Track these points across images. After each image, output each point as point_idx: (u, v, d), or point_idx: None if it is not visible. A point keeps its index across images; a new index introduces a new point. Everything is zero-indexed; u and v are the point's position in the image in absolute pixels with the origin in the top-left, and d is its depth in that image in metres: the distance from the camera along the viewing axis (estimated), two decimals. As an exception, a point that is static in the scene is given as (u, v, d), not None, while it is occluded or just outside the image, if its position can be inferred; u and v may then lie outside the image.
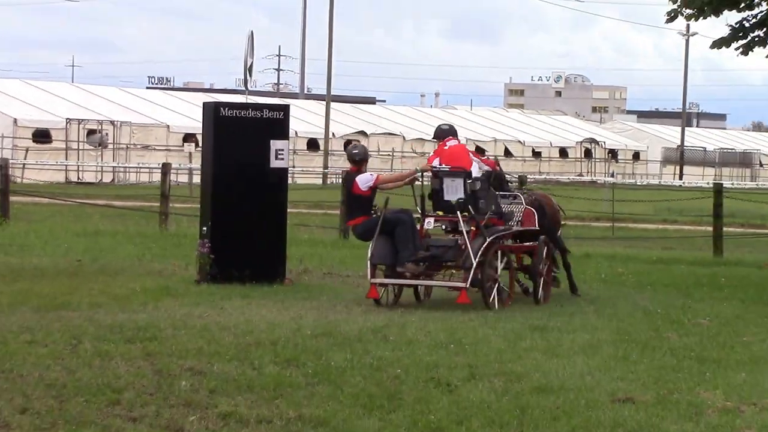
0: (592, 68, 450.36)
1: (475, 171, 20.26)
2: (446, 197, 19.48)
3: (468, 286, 18.79)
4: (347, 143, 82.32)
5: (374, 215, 19.36)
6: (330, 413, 11.30)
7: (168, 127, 70.35)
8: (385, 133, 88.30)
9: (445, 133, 21.43)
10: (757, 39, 25.23)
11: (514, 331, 16.33)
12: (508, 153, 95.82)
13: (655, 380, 13.31)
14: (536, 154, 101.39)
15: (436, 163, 20.34)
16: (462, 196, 19.16)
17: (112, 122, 67.76)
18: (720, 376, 13.73)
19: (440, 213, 19.65)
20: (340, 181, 27.64)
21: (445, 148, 21.00)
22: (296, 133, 71.03)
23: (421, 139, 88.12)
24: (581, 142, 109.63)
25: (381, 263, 19.21)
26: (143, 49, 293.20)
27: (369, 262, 19.18)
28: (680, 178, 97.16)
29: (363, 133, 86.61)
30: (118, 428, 10.64)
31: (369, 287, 19.01)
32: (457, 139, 21.53)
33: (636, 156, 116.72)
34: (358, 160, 19.98)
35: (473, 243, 18.84)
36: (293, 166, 49.58)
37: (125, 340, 14.59)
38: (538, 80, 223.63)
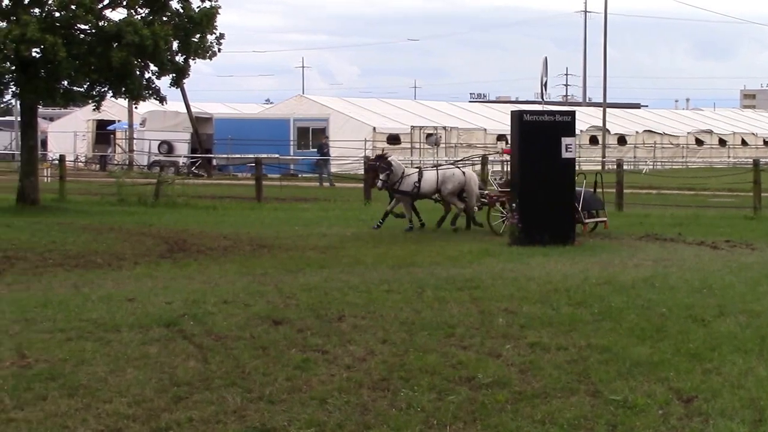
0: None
1: None
2: None
3: None
4: (620, 139, 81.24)
5: None
6: (612, 342, 11.17)
7: (485, 130, 70.61)
8: (646, 131, 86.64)
9: None
10: None
11: (753, 279, 15.84)
12: (744, 143, 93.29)
13: None
14: (766, 143, 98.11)
15: None
16: None
17: (444, 128, 68.28)
18: None
19: None
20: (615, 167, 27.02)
21: None
22: (580, 131, 70.16)
23: (676, 135, 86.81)
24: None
25: None
26: (465, 74, 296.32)
27: None
28: None
29: (636, 131, 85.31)
30: (452, 354, 10.69)
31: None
32: None
33: None
34: None
35: None
36: (579, 157, 49.01)
37: (457, 288, 14.64)
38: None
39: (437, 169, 25.86)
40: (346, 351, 10.86)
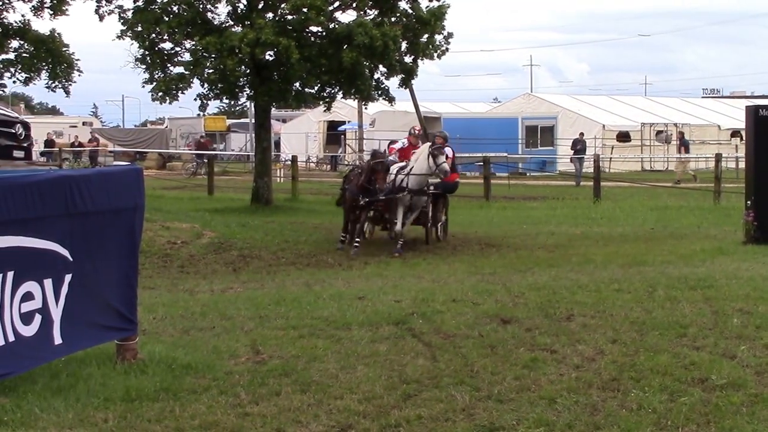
0: None
1: None
2: None
3: None
4: None
5: None
6: None
7: (719, 126, 68.93)
8: None
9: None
10: None
11: None
12: None
13: None
14: None
15: None
16: None
17: (675, 124, 66.85)
18: None
19: None
20: None
21: None
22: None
23: None
24: None
25: None
26: (699, 69, 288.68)
27: None
28: None
29: None
30: (685, 355, 10.47)
31: None
32: None
33: None
34: None
35: None
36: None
37: (689, 287, 14.34)
38: None
39: None
40: (575, 350, 10.77)
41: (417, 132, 22.79)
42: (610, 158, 58.41)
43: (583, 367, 10.12)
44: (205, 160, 58.40)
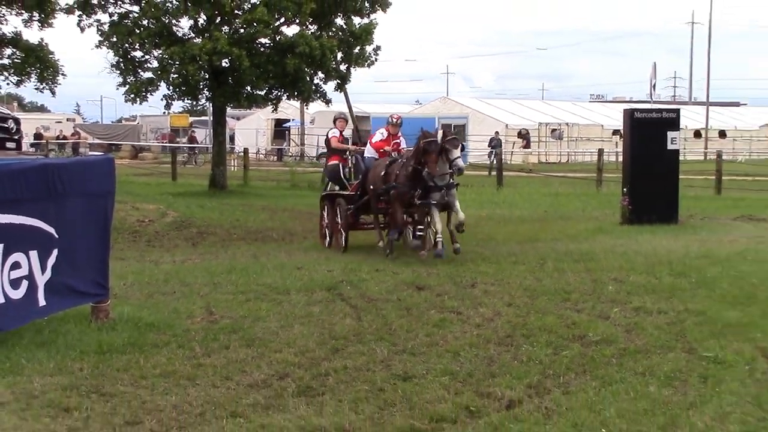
0: None
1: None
2: None
3: None
4: (721, 133, 78.85)
5: None
6: (706, 307, 10.97)
7: (602, 126, 69.34)
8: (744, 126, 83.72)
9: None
10: None
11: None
12: None
13: None
14: None
15: None
16: None
17: (567, 124, 67.41)
18: None
19: None
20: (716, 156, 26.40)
21: None
22: (686, 126, 68.46)
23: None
24: None
25: None
26: (587, 77, 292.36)
27: None
28: None
29: (735, 126, 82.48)
30: (567, 316, 10.61)
31: None
32: None
33: None
34: None
35: None
36: (684, 148, 48.01)
37: (573, 260, 14.50)
38: None
39: None
40: (477, 312, 10.89)
41: (395, 120, 17.24)
42: (512, 152, 58.85)
43: (483, 326, 10.22)
44: (196, 152, 58.13)
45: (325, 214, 17.42)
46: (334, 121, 17.65)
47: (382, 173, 15.92)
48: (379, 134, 17.25)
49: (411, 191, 15.40)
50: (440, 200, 15.31)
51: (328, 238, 17.22)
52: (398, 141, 17.11)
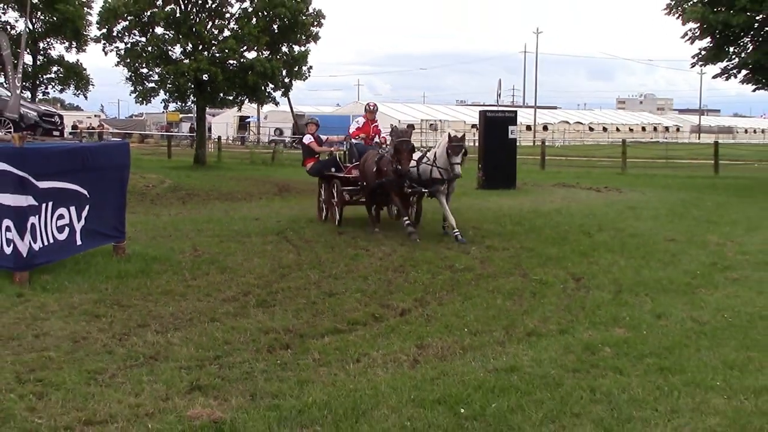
0: None
1: None
2: None
3: None
4: (544, 127, 79.57)
5: None
6: (535, 245, 11.12)
7: (464, 122, 69.58)
8: (561, 121, 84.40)
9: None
10: None
11: (619, 209, 15.55)
12: (617, 129, 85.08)
13: (685, 231, 12.60)
14: (631, 130, 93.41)
15: None
16: None
17: (440, 120, 67.36)
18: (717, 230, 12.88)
19: None
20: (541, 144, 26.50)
21: None
22: (521, 122, 68.92)
23: (580, 123, 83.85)
24: None
25: None
26: (454, 89, 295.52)
27: None
28: None
29: (555, 121, 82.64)
30: (441, 252, 10.57)
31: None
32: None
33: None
34: None
35: None
36: (520, 138, 48.43)
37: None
38: None
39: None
40: (380, 249, 10.88)
41: (372, 107, 14.26)
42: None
43: (384, 259, 10.23)
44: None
45: (322, 191, 14.10)
46: (305, 126, 14.42)
47: (374, 169, 12.45)
48: (355, 123, 14.38)
49: (400, 184, 12.17)
50: (443, 192, 12.30)
51: (324, 212, 13.92)
52: (376, 124, 14.35)
